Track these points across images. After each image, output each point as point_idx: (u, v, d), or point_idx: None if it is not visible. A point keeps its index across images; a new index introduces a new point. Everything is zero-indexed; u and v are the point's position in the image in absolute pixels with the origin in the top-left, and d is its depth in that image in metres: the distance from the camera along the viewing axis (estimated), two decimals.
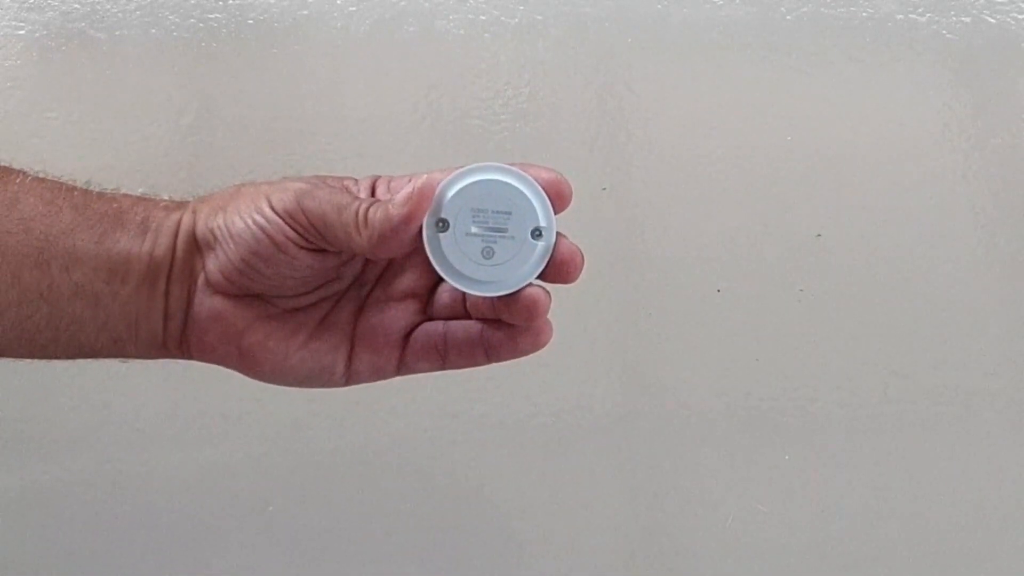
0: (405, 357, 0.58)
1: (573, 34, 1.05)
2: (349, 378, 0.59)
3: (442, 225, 0.55)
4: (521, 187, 0.55)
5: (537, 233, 0.55)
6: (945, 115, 1.04)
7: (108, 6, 1.03)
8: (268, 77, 1.03)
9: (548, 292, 0.56)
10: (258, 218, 0.55)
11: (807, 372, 0.97)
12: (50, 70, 1.02)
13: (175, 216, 0.57)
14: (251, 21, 1.03)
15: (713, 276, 0.99)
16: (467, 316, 0.58)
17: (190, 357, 0.59)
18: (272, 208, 0.55)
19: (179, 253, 0.57)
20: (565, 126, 1.03)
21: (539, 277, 0.56)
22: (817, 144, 1.03)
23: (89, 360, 0.59)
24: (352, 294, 0.59)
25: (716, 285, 0.99)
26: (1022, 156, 1.04)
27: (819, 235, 1.00)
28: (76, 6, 1.03)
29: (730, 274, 0.99)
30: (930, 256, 1.01)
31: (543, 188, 0.55)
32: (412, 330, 0.58)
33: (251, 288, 0.57)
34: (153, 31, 1.03)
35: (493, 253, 0.55)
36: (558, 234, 0.56)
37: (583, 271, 0.56)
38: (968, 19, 1.06)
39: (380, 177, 0.59)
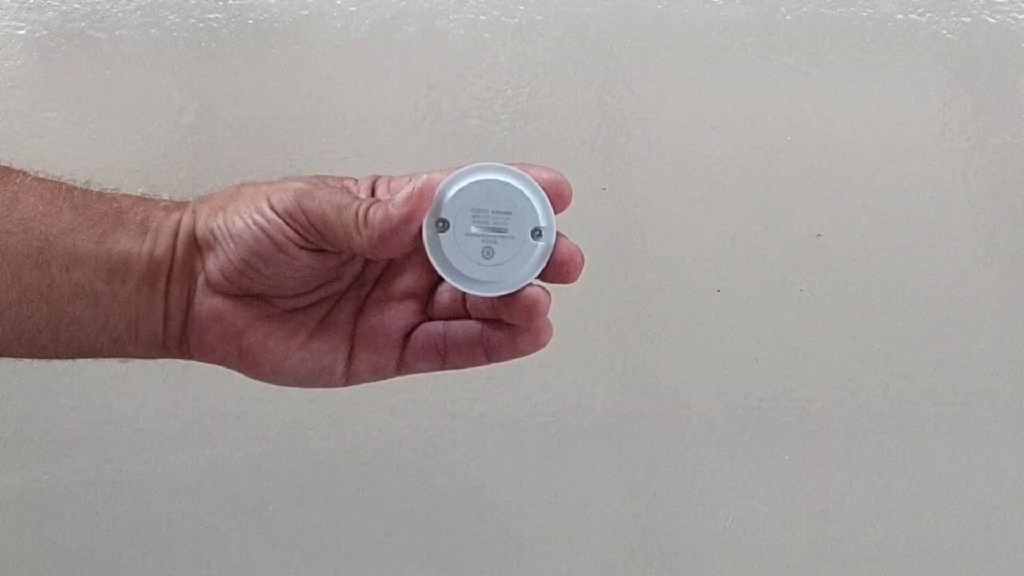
0: (405, 357, 0.58)
1: (573, 34, 1.05)
2: (349, 378, 0.59)
3: (442, 225, 0.55)
4: (521, 187, 0.55)
5: (537, 233, 0.55)
6: (945, 115, 1.04)
7: (108, 6, 1.03)
8: (268, 77, 1.03)
9: (548, 292, 0.56)
10: (258, 218, 0.55)
11: (807, 372, 0.97)
12: (50, 70, 1.02)
13: (175, 216, 0.57)
14: (251, 21, 1.04)
15: (713, 276, 0.99)
16: (467, 316, 0.58)
17: (190, 357, 0.59)
18: (272, 208, 0.55)
19: (179, 253, 0.57)
20: (565, 126, 1.03)
21: (539, 277, 0.56)
22: (817, 144, 1.03)
23: (89, 360, 0.59)
24: (352, 294, 0.59)
25: (716, 285, 0.99)
26: (1022, 156, 1.04)
27: (819, 235, 1.00)
28: (76, 6, 1.03)
29: (730, 274, 0.99)
30: (930, 256, 1.01)
31: (543, 188, 0.55)
32: (412, 330, 0.58)
33: (251, 288, 0.57)
34: (153, 31, 1.03)
35: (493, 253, 0.55)
36: (558, 234, 0.56)
37: (583, 271, 0.56)
38: (968, 19, 1.06)
39: (380, 177, 0.59)
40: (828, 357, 0.98)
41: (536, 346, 0.57)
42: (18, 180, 0.57)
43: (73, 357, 0.58)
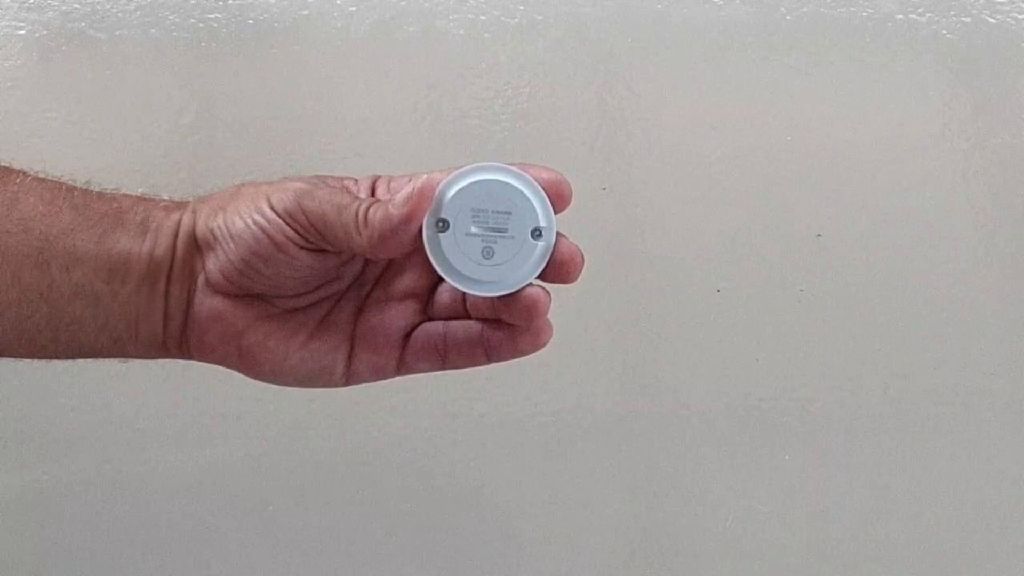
0: (405, 357, 0.58)
1: (573, 34, 1.05)
2: (349, 378, 0.59)
3: (442, 225, 0.55)
4: (521, 187, 0.55)
5: (537, 233, 0.55)
6: (945, 115, 1.04)
7: (108, 6, 1.03)
8: (268, 77, 1.03)
9: (548, 292, 0.56)
10: (258, 218, 0.55)
11: (807, 372, 0.97)
12: (50, 70, 1.02)
13: (175, 216, 0.57)
14: (251, 21, 1.04)
15: (713, 276, 0.99)
16: (467, 316, 0.58)
17: (190, 357, 0.59)
18: (272, 208, 0.55)
19: (179, 253, 0.57)
20: (565, 126, 1.03)
21: (539, 277, 0.56)
22: (817, 144, 1.03)
23: (89, 360, 0.59)
24: (352, 294, 0.59)
25: (716, 285, 0.99)
26: (1022, 156, 1.04)
27: (819, 235, 1.00)
28: (76, 6, 1.03)
29: (730, 274, 0.99)
30: (930, 256, 1.01)
31: (543, 188, 0.55)
32: (412, 330, 0.58)
33: (251, 288, 0.57)
34: (153, 31, 1.03)
35: (493, 253, 0.55)
36: (558, 234, 0.56)
37: (583, 271, 0.56)
38: (968, 19, 1.06)
39: (380, 177, 0.59)
40: (828, 357, 0.98)
41: (536, 346, 0.57)
42: (18, 180, 0.57)
43: (73, 357, 0.58)
